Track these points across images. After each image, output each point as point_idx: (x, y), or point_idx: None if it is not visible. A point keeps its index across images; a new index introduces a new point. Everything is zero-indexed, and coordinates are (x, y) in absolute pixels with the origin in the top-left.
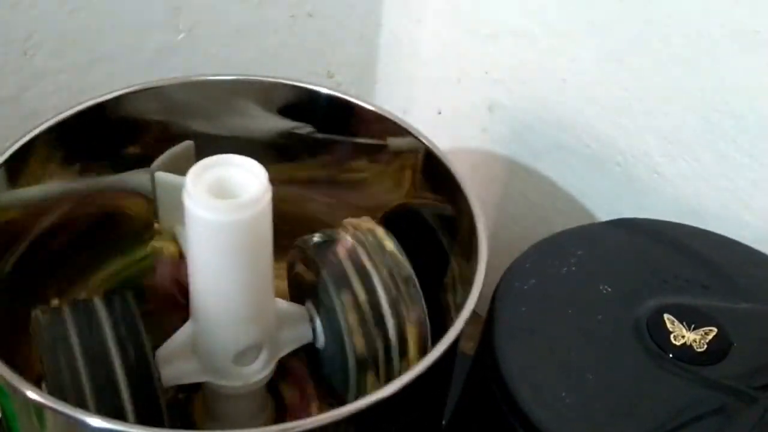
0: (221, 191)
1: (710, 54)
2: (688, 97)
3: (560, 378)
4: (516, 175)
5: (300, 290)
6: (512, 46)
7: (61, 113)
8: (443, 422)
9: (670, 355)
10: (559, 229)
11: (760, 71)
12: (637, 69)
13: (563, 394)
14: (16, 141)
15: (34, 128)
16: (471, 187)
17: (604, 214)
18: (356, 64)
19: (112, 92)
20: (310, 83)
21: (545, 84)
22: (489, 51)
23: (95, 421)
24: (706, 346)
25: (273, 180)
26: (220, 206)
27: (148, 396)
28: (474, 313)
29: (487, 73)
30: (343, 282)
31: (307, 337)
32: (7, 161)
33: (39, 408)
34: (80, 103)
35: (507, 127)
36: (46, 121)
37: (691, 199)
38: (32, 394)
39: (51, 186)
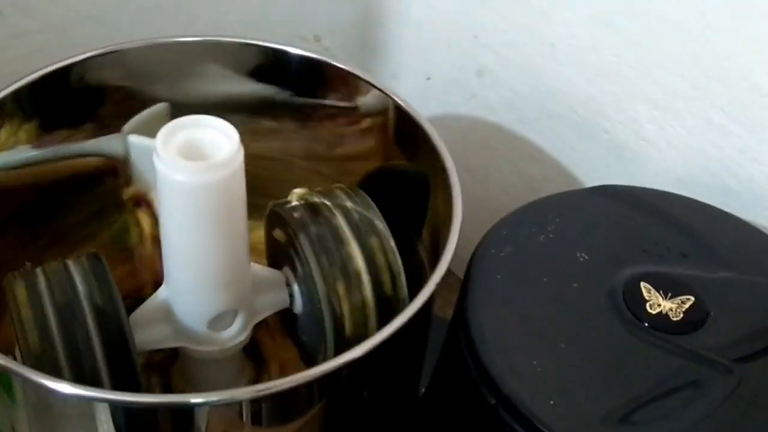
0: (192, 152)
1: (701, 19)
2: (678, 63)
3: (533, 346)
4: (504, 142)
5: (277, 255)
6: (502, 10)
7: (22, 78)
8: (421, 390)
9: (646, 324)
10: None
11: (750, 37)
12: (627, 34)
13: (535, 363)
14: None
15: None
16: (445, 147)
17: (592, 182)
18: (344, 28)
19: (75, 55)
20: (278, 43)
21: (534, 49)
22: (478, 15)
23: (65, 388)
24: (682, 315)
25: (246, 145)
26: (191, 168)
27: (124, 360)
28: (457, 279)
29: (476, 37)
30: (320, 246)
31: (284, 302)
32: None
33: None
34: (44, 67)
35: (496, 92)
36: (10, 85)
37: (679, 166)
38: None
39: (21, 151)
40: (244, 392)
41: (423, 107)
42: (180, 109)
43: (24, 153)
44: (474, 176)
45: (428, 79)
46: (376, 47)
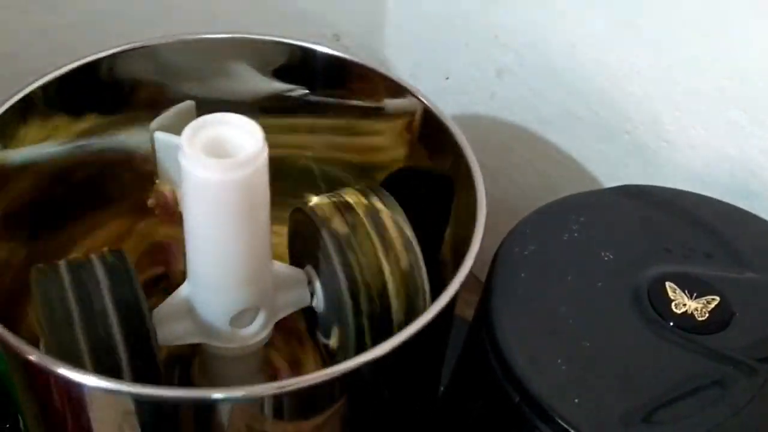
0: (217, 150)
1: (722, 19)
2: (700, 63)
3: (557, 345)
4: (523, 142)
5: (300, 253)
6: (522, 10)
7: (50, 72)
8: (441, 388)
9: (671, 324)
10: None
11: None
12: (648, 35)
13: (559, 362)
14: (7, 100)
15: (26, 87)
16: (470, 147)
17: (611, 182)
18: (364, 27)
19: (104, 51)
20: (305, 41)
21: (555, 49)
22: (498, 14)
23: (90, 380)
24: (707, 316)
25: (271, 142)
26: (216, 165)
27: (145, 354)
28: (476, 280)
29: (496, 37)
30: (343, 244)
31: (305, 301)
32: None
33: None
34: (71, 62)
35: (515, 92)
36: (37, 80)
37: (700, 168)
38: (30, 355)
39: (48, 146)
40: (267, 388)
41: (442, 107)
42: (206, 105)
43: (51, 147)
44: (492, 176)
45: (447, 78)
46: (395, 46)
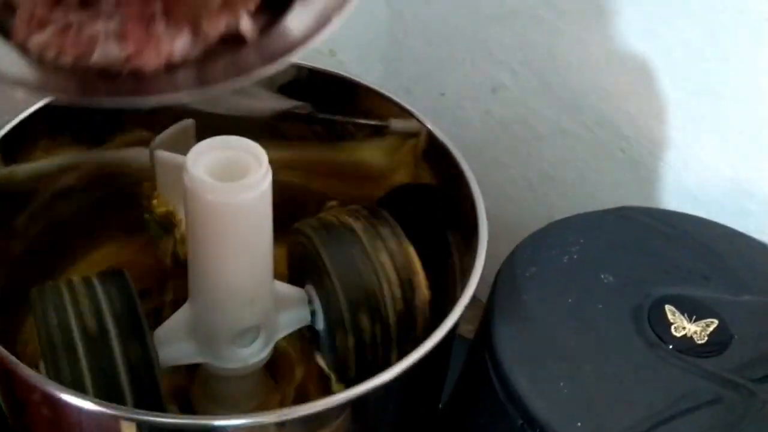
0: (221, 173)
1: (717, 40)
2: (694, 83)
3: (558, 367)
4: (518, 158)
5: (300, 273)
6: (517, 28)
7: None
8: (440, 406)
9: (670, 347)
10: (560, 213)
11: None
12: (642, 54)
13: (561, 384)
14: (15, 117)
15: (32, 104)
16: (471, 171)
17: (606, 200)
18: (359, 42)
19: None
20: (311, 62)
21: (550, 66)
22: (494, 32)
23: (89, 405)
24: (706, 338)
25: (272, 160)
26: (221, 188)
27: (147, 376)
28: (474, 297)
29: (491, 54)
30: (343, 265)
31: (305, 320)
32: (5, 136)
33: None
34: None
35: (511, 109)
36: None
37: (695, 187)
38: (29, 377)
39: (51, 161)
40: (271, 416)
41: (436, 123)
42: (209, 124)
43: (54, 163)
44: (487, 193)
45: (443, 94)
46: (391, 61)
